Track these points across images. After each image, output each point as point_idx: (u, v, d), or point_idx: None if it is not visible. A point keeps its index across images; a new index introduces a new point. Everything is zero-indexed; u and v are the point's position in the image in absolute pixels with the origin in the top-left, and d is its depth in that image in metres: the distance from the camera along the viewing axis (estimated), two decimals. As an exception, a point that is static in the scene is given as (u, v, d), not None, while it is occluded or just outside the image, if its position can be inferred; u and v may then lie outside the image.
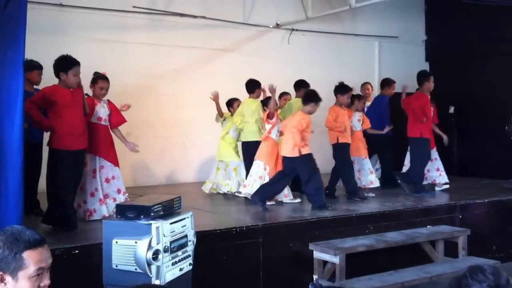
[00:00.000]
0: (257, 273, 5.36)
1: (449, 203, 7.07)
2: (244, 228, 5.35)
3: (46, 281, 2.03)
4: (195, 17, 9.21)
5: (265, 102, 7.21)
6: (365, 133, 7.87)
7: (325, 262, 5.51)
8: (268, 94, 7.06)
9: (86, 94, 5.69)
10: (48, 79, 6.06)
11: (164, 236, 3.73)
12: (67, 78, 5.26)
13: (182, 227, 3.99)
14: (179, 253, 3.92)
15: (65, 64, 5.27)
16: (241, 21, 9.72)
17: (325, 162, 7.62)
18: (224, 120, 7.80)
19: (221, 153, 7.70)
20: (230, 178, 7.57)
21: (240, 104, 7.68)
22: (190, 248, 4.09)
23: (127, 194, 5.89)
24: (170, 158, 9.17)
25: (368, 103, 8.63)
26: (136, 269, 3.63)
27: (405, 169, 8.19)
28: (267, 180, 6.70)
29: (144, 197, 4.40)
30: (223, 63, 9.48)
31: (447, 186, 8.07)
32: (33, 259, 1.96)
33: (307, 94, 6.67)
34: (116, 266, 3.70)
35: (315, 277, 5.35)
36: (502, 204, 7.35)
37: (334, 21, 10.58)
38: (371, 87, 9.15)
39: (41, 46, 6.97)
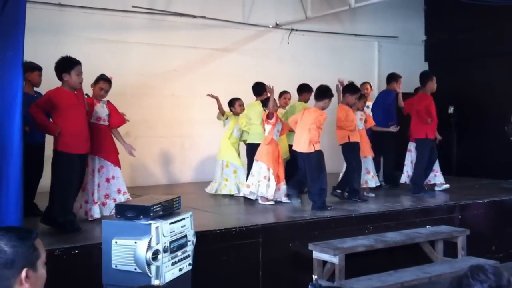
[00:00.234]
0: (256, 273, 5.36)
1: (449, 203, 7.07)
2: (244, 228, 5.35)
3: None
4: (194, 17, 9.21)
5: (264, 103, 7.20)
6: (370, 131, 7.87)
7: (324, 262, 5.51)
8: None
9: (86, 94, 5.69)
10: (48, 79, 6.07)
11: (164, 236, 3.73)
12: (70, 78, 5.24)
13: (182, 227, 3.99)
14: (179, 253, 3.92)
15: (67, 65, 5.25)
16: (241, 21, 9.72)
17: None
18: (226, 118, 7.74)
19: (222, 152, 7.67)
20: (228, 179, 7.56)
21: (242, 103, 7.67)
22: (189, 248, 4.09)
23: (128, 194, 5.85)
24: (169, 158, 9.17)
25: (368, 103, 8.63)
26: (135, 269, 3.63)
27: (405, 169, 8.19)
28: (270, 181, 6.70)
29: (144, 197, 4.40)
30: (223, 63, 9.48)
31: (447, 186, 8.06)
32: (41, 246, 2.01)
33: (321, 90, 6.63)
34: (116, 266, 3.70)
35: (314, 277, 5.30)
36: (502, 204, 7.35)
37: (333, 21, 10.59)
38: (370, 87, 9.15)
39: (40, 46, 6.98)
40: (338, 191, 7.16)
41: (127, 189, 5.98)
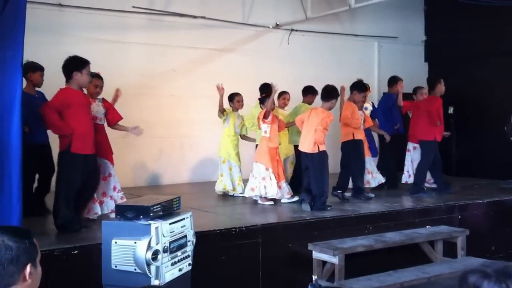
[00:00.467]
0: (256, 273, 5.37)
1: (448, 203, 7.06)
2: (244, 228, 5.35)
3: None
4: (194, 17, 9.21)
5: (262, 101, 7.16)
6: (368, 132, 7.88)
7: (324, 262, 5.51)
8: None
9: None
10: (48, 79, 6.07)
11: (164, 236, 3.73)
12: (81, 77, 5.21)
13: (182, 227, 3.99)
14: (179, 253, 3.92)
15: (79, 63, 5.23)
16: (241, 21, 9.72)
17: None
18: (226, 116, 7.70)
19: (222, 149, 7.65)
20: (223, 174, 7.54)
21: (241, 99, 7.63)
22: (189, 248, 4.09)
23: (122, 192, 5.87)
24: (168, 158, 9.17)
25: (366, 105, 8.61)
26: (135, 269, 3.63)
27: (405, 168, 8.19)
28: (272, 180, 6.70)
29: (143, 197, 4.40)
30: (222, 63, 9.48)
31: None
32: (37, 243, 2.03)
33: (327, 91, 6.62)
34: (116, 266, 3.70)
35: (314, 277, 5.30)
36: (501, 204, 7.35)
37: (333, 22, 10.59)
38: (368, 88, 9.12)
39: (40, 46, 6.98)
40: (339, 191, 7.16)
41: (127, 189, 5.99)
